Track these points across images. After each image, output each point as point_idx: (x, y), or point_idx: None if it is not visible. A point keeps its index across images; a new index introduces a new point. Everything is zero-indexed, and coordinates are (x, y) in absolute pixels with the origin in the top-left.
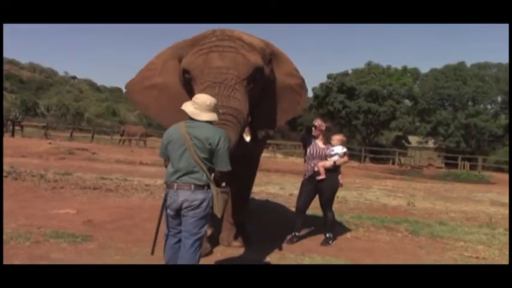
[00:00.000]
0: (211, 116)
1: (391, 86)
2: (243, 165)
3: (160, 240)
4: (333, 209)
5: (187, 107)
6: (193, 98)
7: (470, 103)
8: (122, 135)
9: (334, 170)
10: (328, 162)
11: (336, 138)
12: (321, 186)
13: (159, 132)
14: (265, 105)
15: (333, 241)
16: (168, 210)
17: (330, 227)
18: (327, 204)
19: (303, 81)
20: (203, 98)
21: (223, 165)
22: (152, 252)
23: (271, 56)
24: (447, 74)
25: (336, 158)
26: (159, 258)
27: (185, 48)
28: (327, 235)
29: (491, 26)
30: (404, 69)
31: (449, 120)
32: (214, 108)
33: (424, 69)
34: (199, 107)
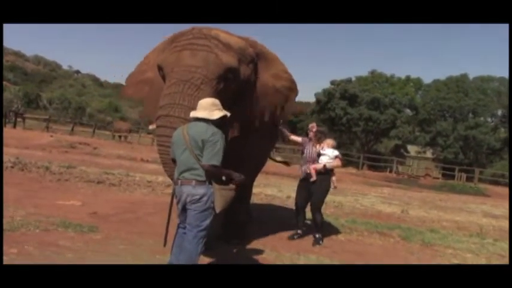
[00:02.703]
0: (203, 114)
1: (393, 95)
2: (235, 163)
3: (170, 232)
4: (322, 211)
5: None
6: None
7: (470, 115)
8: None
9: (325, 173)
10: (319, 165)
11: (326, 142)
12: (312, 188)
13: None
14: (244, 104)
15: (322, 241)
16: (178, 205)
17: (319, 228)
18: (316, 205)
19: (293, 83)
20: (201, 100)
21: (206, 158)
22: (164, 244)
23: (255, 57)
24: (449, 85)
25: (325, 159)
26: (162, 250)
27: (167, 45)
28: (317, 235)
29: (498, 40)
30: (407, 78)
31: (449, 131)
32: (208, 107)
33: (427, 79)
34: (198, 107)
